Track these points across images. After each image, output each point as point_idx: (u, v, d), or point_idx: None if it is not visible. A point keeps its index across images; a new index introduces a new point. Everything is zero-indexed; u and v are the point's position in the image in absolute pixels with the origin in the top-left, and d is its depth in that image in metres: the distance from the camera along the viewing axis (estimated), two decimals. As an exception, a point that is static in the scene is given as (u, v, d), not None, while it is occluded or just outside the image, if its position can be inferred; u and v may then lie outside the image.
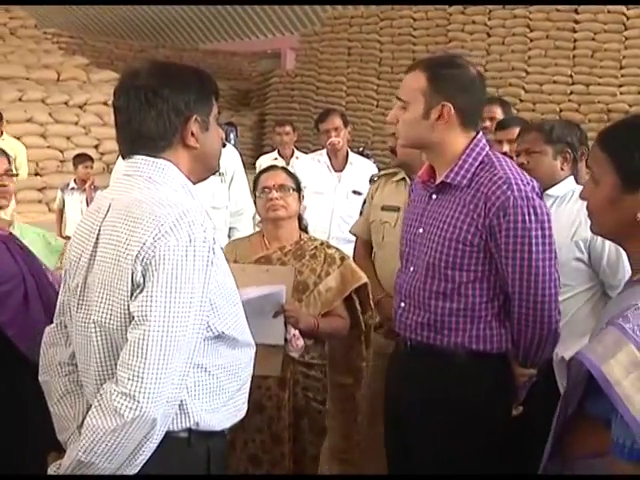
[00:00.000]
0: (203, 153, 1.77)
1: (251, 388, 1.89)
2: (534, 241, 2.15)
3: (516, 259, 2.16)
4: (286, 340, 2.68)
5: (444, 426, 2.26)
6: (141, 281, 1.58)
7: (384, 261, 3.23)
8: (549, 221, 2.19)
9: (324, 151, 4.97)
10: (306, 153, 6.15)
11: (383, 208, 3.36)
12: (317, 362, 2.89)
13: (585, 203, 1.71)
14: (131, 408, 1.52)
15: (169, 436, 1.62)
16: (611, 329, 1.44)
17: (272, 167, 3.10)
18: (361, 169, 4.76)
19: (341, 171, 4.88)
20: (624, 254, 2.60)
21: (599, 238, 2.54)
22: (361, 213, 3.66)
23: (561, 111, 9.68)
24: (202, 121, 1.74)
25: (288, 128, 6.54)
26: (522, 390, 2.42)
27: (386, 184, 3.46)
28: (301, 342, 2.72)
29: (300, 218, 2.96)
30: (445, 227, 2.23)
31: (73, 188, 6.98)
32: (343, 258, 2.91)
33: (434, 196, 2.33)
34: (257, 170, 4.91)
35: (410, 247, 2.38)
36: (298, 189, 2.91)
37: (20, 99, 9.52)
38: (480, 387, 2.26)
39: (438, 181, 2.29)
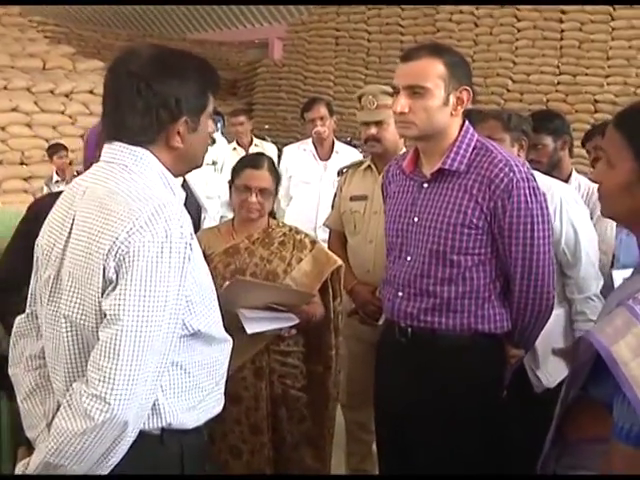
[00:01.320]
0: (186, 153, 1.70)
1: (227, 379, 1.86)
2: (536, 220, 2.23)
3: (519, 238, 2.24)
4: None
5: (451, 412, 2.30)
6: (114, 277, 1.51)
7: (357, 248, 3.27)
8: (546, 201, 2.28)
9: (310, 140, 4.98)
10: (292, 143, 6.14)
11: (352, 198, 3.41)
12: (293, 349, 2.89)
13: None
14: (102, 410, 1.47)
15: (141, 434, 1.57)
16: (621, 310, 1.43)
17: (259, 162, 2.97)
18: (347, 158, 4.76)
19: (327, 160, 4.90)
20: (583, 235, 2.68)
21: (557, 220, 2.62)
22: (333, 206, 3.69)
23: (548, 101, 9.69)
24: (191, 122, 1.67)
25: (242, 118, 6.52)
26: (508, 373, 2.46)
27: (353, 175, 3.50)
28: (293, 331, 2.82)
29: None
30: (448, 213, 2.27)
31: (57, 181, 6.92)
32: (314, 242, 2.91)
33: (425, 185, 2.35)
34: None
35: (403, 237, 2.40)
36: (276, 188, 2.90)
37: (5, 87, 9.41)
38: (485, 368, 2.33)
39: (434, 169, 2.30)
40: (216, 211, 4.16)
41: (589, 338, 1.45)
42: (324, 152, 4.96)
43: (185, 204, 3.34)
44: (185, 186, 3.35)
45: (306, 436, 2.93)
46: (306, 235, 2.95)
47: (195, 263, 1.63)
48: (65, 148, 7.24)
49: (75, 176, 7.04)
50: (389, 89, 3.27)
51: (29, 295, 1.81)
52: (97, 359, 1.50)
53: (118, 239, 1.51)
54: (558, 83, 9.75)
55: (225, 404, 2.66)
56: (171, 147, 1.67)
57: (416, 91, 2.26)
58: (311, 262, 2.84)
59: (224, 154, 4.21)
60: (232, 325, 2.56)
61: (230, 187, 2.92)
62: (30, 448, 1.70)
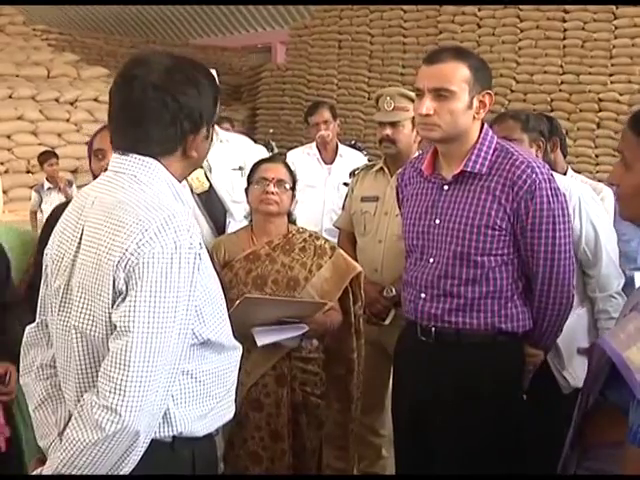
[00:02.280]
0: (198, 160, 1.73)
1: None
2: (557, 220, 2.27)
3: (541, 238, 2.27)
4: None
5: (474, 409, 2.32)
6: (123, 289, 1.51)
7: (366, 248, 3.30)
8: (566, 201, 2.33)
9: (314, 144, 4.98)
10: (297, 147, 6.16)
11: (362, 199, 3.44)
12: (314, 356, 2.89)
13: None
14: (113, 421, 1.47)
15: (152, 442, 1.57)
16: (634, 315, 1.43)
17: (273, 158, 3.06)
18: (351, 161, 4.77)
19: (331, 164, 4.91)
20: (603, 234, 2.69)
21: (577, 219, 2.63)
22: (343, 207, 3.72)
23: (552, 101, 9.69)
24: (206, 130, 1.68)
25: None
26: (528, 375, 2.47)
27: (365, 176, 3.54)
28: (315, 341, 2.84)
29: (289, 214, 2.95)
30: (471, 215, 2.30)
31: (50, 188, 6.94)
32: (334, 248, 2.91)
33: (446, 187, 2.37)
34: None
35: (425, 239, 2.42)
36: (293, 187, 2.90)
37: (10, 96, 9.48)
38: (507, 366, 2.36)
39: (456, 171, 2.33)
40: (243, 215, 4.17)
41: (602, 345, 1.45)
42: (328, 156, 4.96)
43: (211, 209, 3.36)
44: (211, 191, 3.36)
45: (329, 438, 2.95)
46: (326, 241, 2.95)
47: (204, 272, 1.62)
48: (55, 155, 7.28)
49: (68, 184, 7.03)
50: (407, 92, 3.31)
51: (39, 304, 1.81)
52: (108, 370, 1.50)
53: (128, 250, 1.51)
54: (562, 83, 9.74)
55: (246, 410, 2.68)
56: (188, 157, 1.68)
57: (441, 94, 2.27)
58: (331, 269, 2.84)
59: (254, 159, 4.19)
60: (247, 339, 2.58)
61: (246, 193, 2.94)
62: (44, 457, 1.70)
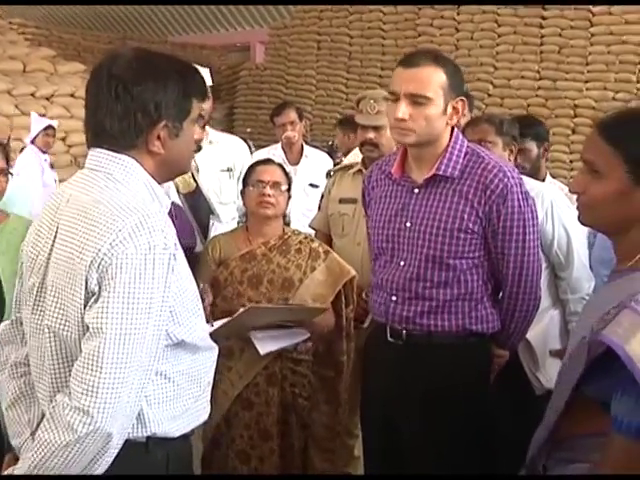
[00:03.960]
0: (169, 159, 1.66)
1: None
2: (527, 223, 2.31)
3: (512, 242, 2.30)
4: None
5: (444, 409, 2.35)
6: (96, 289, 1.50)
7: (343, 251, 3.31)
8: (535, 204, 2.36)
9: (279, 145, 4.97)
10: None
11: (341, 201, 3.43)
12: (304, 358, 2.91)
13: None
14: (85, 423, 1.45)
15: (126, 442, 1.56)
16: (626, 312, 1.48)
17: (269, 160, 3.06)
18: (316, 162, 4.78)
19: (296, 164, 4.90)
20: (575, 237, 2.73)
21: (549, 223, 2.66)
22: (319, 208, 3.71)
23: (529, 106, 9.76)
24: (173, 127, 1.63)
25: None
26: (493, 374, 2.50)
27: (342, 177, 3.52)
28: (309, 343, 2.89)
29: (284, 215, 2.97)
30: (444, 218, 2.31)
31: None
32: (327, 252, 2.93)
33: (416, 190, 2.38)
34: None
35: (395, 242, 2.43)
36: (289, 188, 2.92)
37: (-15, 90, 9.35)
38: (476, 367, 2.38)
39: (429, 174, 2.34)
40: (231, 217, 4.11)
41: (602, 340, 1.48)
42: (293, 157, 4.96)
43: (196, 210, 3.34)
44: (198, 192, 3.35)
45: (316, 439, 2.96)
46: (320, 244, 2.97)
47: (179, 273, 1.61)
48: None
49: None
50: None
51: (14, 301, 1.79)
52: (80, 372, 1.49)
53: (101, 251, 1.49)
54: (538, 88, 9.83)
55: (236, 409, 2.68)
56: (151, 152, 1.64)
57: (417, 100, 2.28)
58: (325, 272, 2.86)
59: (242, 160, 4.11)
60: (245, 339, 2.58)
61: (242, 195, 2.94)
62: (17, 455, 1.69)
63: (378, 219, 2.49)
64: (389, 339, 2.43)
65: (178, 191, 3.29)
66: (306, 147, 5.07)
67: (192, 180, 3.33)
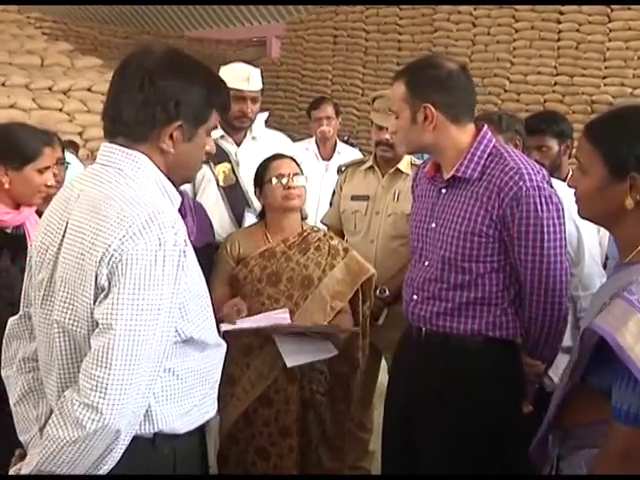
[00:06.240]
0: (177, 162, 1.66)
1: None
2: (546, 229, 2.21)
3: (528, 247, 2.22)
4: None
5: (457, 412, 2.31)
6: (106, 285, 1.49)
7: (357, 248, 3.30)
8: (561, 210, 2.26)
9: (312, 139, 4.97)
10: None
11: (353, 198, 3.42)
12: None
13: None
14: (93, 419, 1.45)
15: (133, 438, 1.56)
16: (618, 301, 1.54)
17: (281, 155, 3.06)
18: (349, 159, 4.77)
19: (329, 160, 4.90)
20: (585, 233, 2.74)
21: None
22: (331, 204, 3.70)
23: (545, 102, 9.70)
24: (187, 129, 1.63)
25: None
26: (531, 386, 2.44)
27: (354, 174, 3.51)
28: None
29: (300, 209, 2.97)
30: (460, 220, 2.27)
31: None
32: (347, 249, 2.92)
33: (443, 190, 2.37)
34: None
35: (422, 242, 2.42)
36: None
37: (3, 84, 9.41)
38: (494, 373, 2.33)
39: (448, 175, 2.31)
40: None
41: (593, 328, 1.56)
42: (326, 152, 4.96)
43: (233, 202, 3.37)
44: (237, 186, 3.40)
45: (324, 437, 2.96)
46: (339, 242, 2.96)
47: (189, 270, 1.60)
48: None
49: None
50: None
51: (22, 295, 1.79)
52: (89, 368, 1.48)
53: (111, 246, 1.49)
54: (555, 84, 9.77)
55: (255, 406, 2.69)
56: (161, 150, 1.63)
57: (393, 115, 2.37)
58: (344, 270, 2.86)
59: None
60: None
61: (258, 193, 2.95)
62: (24, 452, 1.69)
63: (414, 218, 2.49)
64: (414, 337, 2.44)
65: (218, 184, 3.33)
66: (339, 143, 5.06)
67: (232, 174, 3.37)
